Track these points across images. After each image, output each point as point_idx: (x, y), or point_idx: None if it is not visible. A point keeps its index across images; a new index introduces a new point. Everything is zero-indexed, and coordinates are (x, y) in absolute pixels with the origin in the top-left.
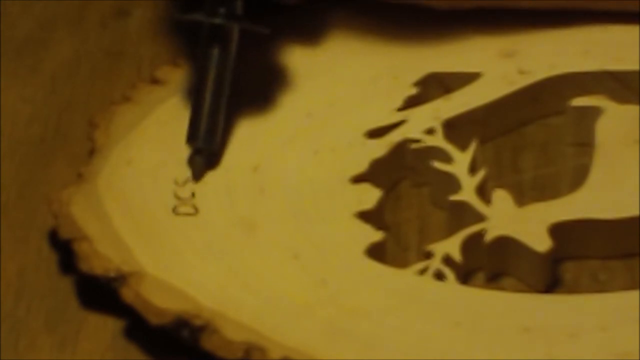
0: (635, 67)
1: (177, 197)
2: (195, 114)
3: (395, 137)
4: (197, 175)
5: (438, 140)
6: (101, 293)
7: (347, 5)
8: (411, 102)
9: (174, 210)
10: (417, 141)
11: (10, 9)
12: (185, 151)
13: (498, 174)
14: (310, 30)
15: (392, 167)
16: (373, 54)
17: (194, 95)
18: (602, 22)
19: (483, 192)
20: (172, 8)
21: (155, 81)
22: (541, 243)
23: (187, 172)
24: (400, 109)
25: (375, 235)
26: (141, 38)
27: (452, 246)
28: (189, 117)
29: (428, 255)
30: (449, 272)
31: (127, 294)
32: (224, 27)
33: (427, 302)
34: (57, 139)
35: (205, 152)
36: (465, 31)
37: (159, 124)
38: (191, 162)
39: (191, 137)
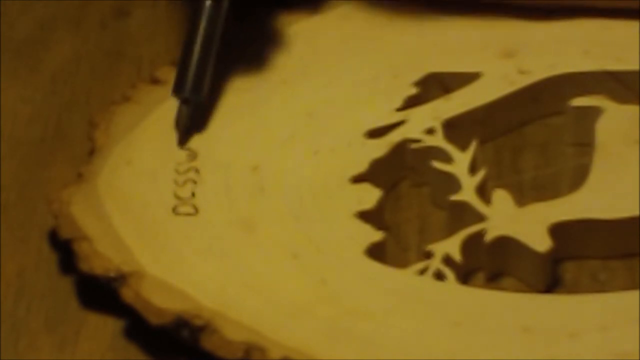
0: (635, 67)
1: (177, 197)
2: (183, 65)
3: (395, 137)
4: (182, 126)
5: (438, 140)
6: (101, 293)
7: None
8: (411, 102)
9: (174, 210)
10: (417, 141)
11: (10, 9)
12: (183, 151)
13: (498, 174)
14: (309, 29)
15: (392, 167)
16: (373, 54)
17: (183, 46)
18: (602, 22)
19: (483, 192)
20: None
21: (155, 81)
22: (541, 243)
23: (187, 166)
24: (400, 109)
25: (375, 235)
26: (141, 38)
27: (452, 246)
28: (176, 68)
29: (428, 255)
30: (449, 272)
31: (127, 294)
32: None
33: (427, 302)
34: (57, 139)
35: (192, 103)
36: (465, 31)
37: (159, 124)
38: (178, 113)
39: (178, 87)
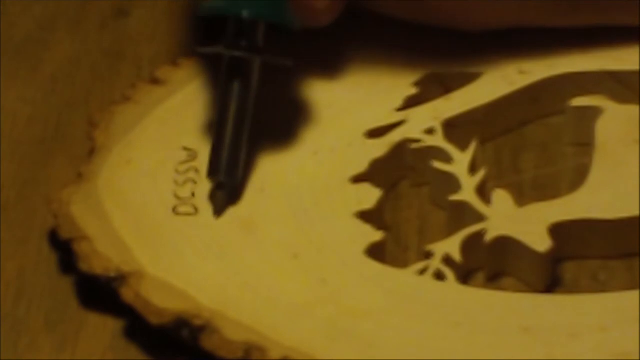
0: (635, 67)
1: (177, 197)
2: (216, 149)
3: (395, 137)
4: (219, 211)
5: (438, 140)
6: (101, 293)
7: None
8: (411, 102)
9: (174, 210)
10: (417, 141)
11: (10, 9)
12: (183, 151)
13: (498, 174)
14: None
15: (392, 167)
16: (373, 54)
17: (215, 130)
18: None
19: (483, 192)
20: (193, 41)
21: (155, 81)
22: (541, 243)
23: (185, 168)
24: (400, 109)
25: (375, 235)
26: (141, 38)
27: (452, 246)
28: (210, 152)
29: (428, 255)
30: (449, 272)
31: (127, 294)
32: (245, 60)
33: (427, 302)
34: (57, 139)
35: (227, 187)
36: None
37: (159, 124)
38: (212, 197)
39: (213, 172)
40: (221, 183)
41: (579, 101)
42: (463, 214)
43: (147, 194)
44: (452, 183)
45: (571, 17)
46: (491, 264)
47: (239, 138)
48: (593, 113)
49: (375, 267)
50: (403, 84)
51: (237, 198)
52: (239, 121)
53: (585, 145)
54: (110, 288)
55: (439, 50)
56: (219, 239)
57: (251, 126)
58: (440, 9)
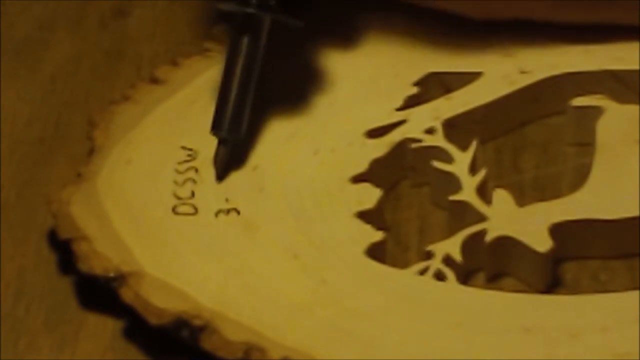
0: (635, 67)
1: (177, 197)
2: (221, 103)
3: (395, 137)
4: (220, 165)
5: (438, 140)
6: (101, 293)
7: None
8: (411, 102)
9: (174, 210)
10: (417, 141)
11: (10, 9)
12: (183, 151)
13: (498, 174)
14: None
15: (392, 167)
16: (373, 54)
17: (221, 84)
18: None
19: (483, 192)
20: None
21: (155, 81)
22: (542, 243)
23: (186, 167)
24: (400, 109)
25: (375, 235)
26: (141, 38)
27: (452, 246)
28: (215, 106)
29: (428, 256)
30: (449, 272)
31: (127, 294)
32: (255, 16)
33: (427, 302)
34: (57, 139)
35: (230, 143)
36: (466, 31)
37: (159, 124)
38: (216, 151)
39: (216, 126)
40: (224, 138)
41: (579, 101)
42: (463, 214)
43: (147, 194)
44: (452, 183)
45: (576, 12)
46: (491, 264)
47: (245, 94)
48: (594, 113)
49: (375, 267)
50: (403, 84)
51: (242, 160)
52: (245, 77)
53: (585, 145)
54: (110, 288)
55: (439, 50)
56: (219, 239)
57: (258, 84)
58: None
